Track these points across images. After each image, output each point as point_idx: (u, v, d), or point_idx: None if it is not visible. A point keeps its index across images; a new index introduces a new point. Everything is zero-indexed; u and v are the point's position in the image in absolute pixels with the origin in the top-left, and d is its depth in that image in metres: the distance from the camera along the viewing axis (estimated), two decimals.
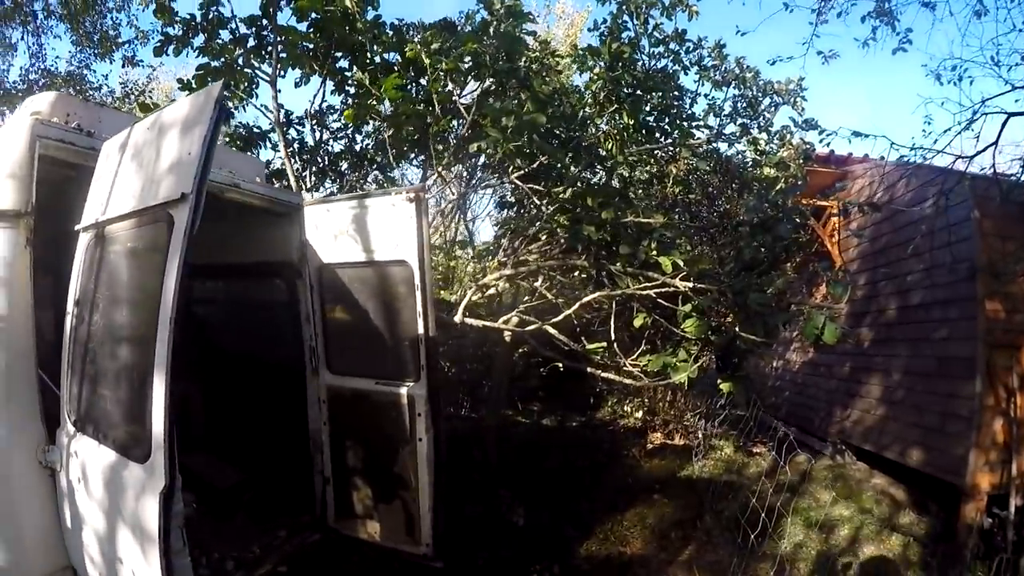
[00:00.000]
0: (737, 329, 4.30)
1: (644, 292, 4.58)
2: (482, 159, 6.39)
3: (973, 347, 6.07)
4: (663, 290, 4.48)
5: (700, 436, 7.89)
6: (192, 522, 4.27)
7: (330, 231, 4.36)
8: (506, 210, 6.66)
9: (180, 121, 2.65)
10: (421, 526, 4.19)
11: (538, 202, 5.06)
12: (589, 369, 5.42)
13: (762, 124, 7.29)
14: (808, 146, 7.12)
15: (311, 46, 5.25)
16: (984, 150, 5.20)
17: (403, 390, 4.08)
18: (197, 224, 2.38)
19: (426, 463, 4.04)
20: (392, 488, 4.28)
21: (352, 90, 5.69)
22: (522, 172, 5.10)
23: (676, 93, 6.48)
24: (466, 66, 5.10)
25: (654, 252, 4.47)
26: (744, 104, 7.26)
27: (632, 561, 5.38)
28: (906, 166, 6.98)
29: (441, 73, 4.88)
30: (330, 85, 5.73)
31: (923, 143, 8.31)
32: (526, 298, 5.85)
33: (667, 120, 6.40)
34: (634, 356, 4.97)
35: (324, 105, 6.44)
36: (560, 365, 5.92)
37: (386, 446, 4.25)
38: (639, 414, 8.72)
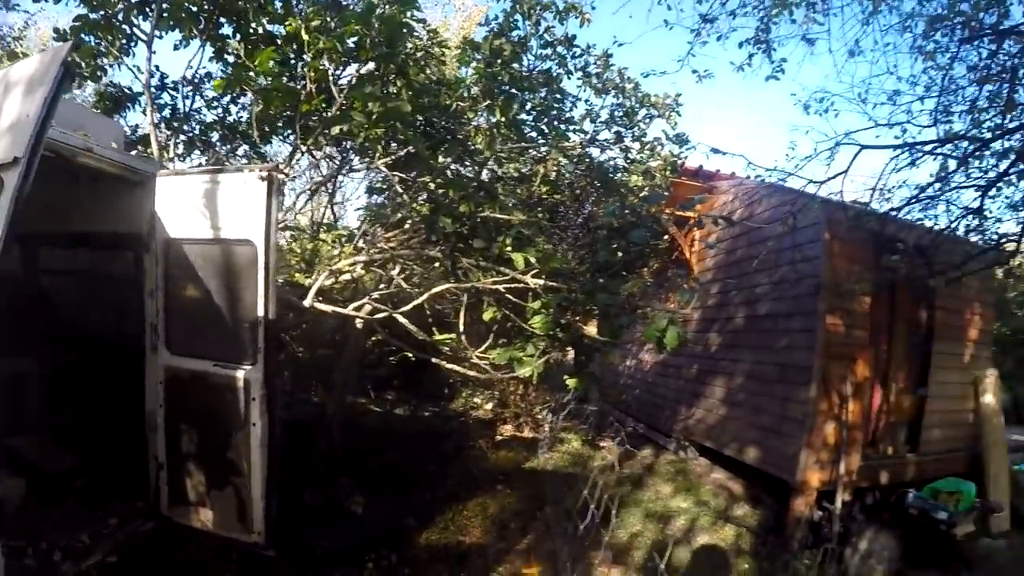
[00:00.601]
0: (584, 327, 4.66)
1: (494, 286, 4.75)
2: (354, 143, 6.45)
3: (811, 357, 6.74)
4: (513, 285, 4.67)
5: (547, 429, 8.26)
6: (18, 509, 4.22)
7: (181, 205, 4.30)
8: (374, 196, 6.83)
9: (25, 80, 2.62)
10: (253, 514, 4.17)
11: (400, 190, 5.21)
12: (434, 360, 5.54)
13: (636, 134, 7.61)
14: (676, 158, 7.55)
15: (195, 8, 5.15)
16: (834, 177, 5.80)
17: (239, 373, 4.06)
18: (27, 189, 2.38)
19: (259, 449, 4.03)
20: (225, 474, 4.25)
21: (231, 59, 5.59)
22: (390, 159, 5.17)
23: (558, 96, 6.70)
24: (347, 47, 5.06)
25: (508, 248, 4.63)
26: (621, 113, 7.55)
27: (470, 550, 5.58)
28: (766, 186, 7.62)
29: (320, 51, 4.85)
30: (209, 51, 5.62)
31: (786, 166, 9.09)
32: (381, 286, 5.93)
33: (545, 121, 6.64)
34: (482, 349, 5.11)
35: (203, 72, 6.30)
36: (410, 355, 6.02)
37: (221, 431, 4.22)
38: (489, 406, 9.15)
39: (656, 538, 6.17)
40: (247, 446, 4.07)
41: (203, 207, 4.17)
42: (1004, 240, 6.77)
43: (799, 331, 7.07)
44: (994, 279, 9.18)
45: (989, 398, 8.57)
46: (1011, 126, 5.78)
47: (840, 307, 6.83)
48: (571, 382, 5.06)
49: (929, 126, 5.87)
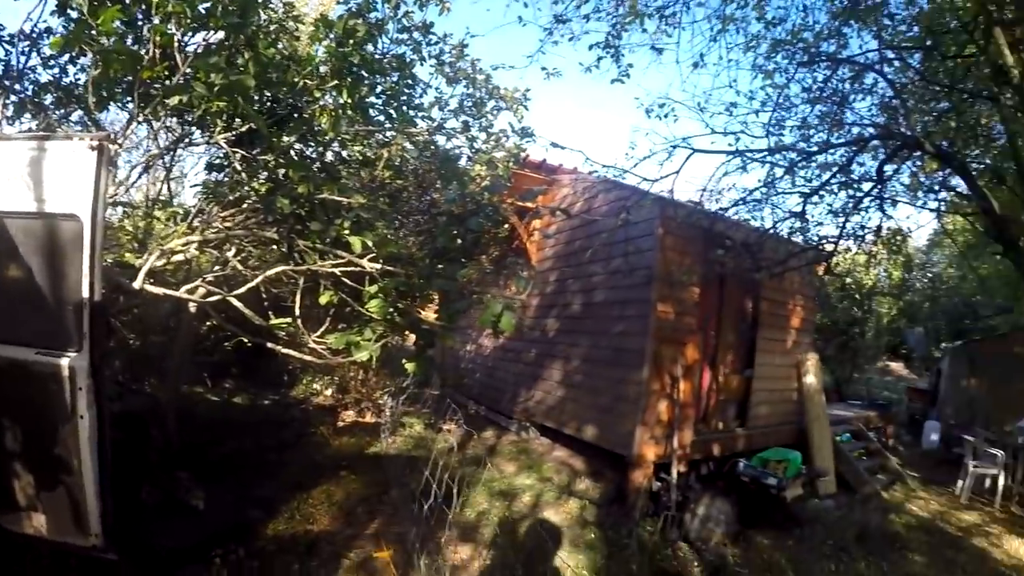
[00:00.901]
0: (422, 312, 4.84)
1: (331, 270, 4.75)
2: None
3: (644, 341, 7.31)
4: (351, 269, 4.68)
5: (389, 414, 8.37)
6: None
7: (1, 173, 3.95)
8: (213, 173, 6.64)
9: None
10: (88, 515, 3.90)
11: (239, 168, 5.11)
12: (270, 345, 5.44)
13: (483, 124, 7.84)
14: (520, 150, 7.87)
15: None
16: (667, 176, 6.37)
17: (64, 361, 3.77)
18: None
19: (88, 444, 3.77)
20: (54, 474, 3.94)
21: (75, 15, 5.08)
22: (232, 135, 4.99)
23: (409, 81, 6.72)
24: (197, 12, 4.77)
25: (347, 231, 4.65)
26: (470, 103, 7.76)
27: (319, 538, 5.61)
28: (605, 181, 8.10)
29: (168, 14, 4.56)
30: (52, 3, 5.13)
31: (625, 164, 9.70)
32: (216, 268, 5.76)
33: (394, 105, 6.62)
34: (319, 333, 5.07)
35: (43, 26, 5.75)
36: (247, 340, 5.87)
37: (46, 426, 3.90)
38: (330, 392, 9.20)
39: (503, 515, 6.47)
40: (76, 441, 3.80)
41: (26, 177, 3.86)
42: (824, 241, 7.62)
43: (633, 318, 7.60)
44: (816, 275, 10.06)
45: (811, 378, 9.66)
46: (836, 142, 6.52)
47: (671, 296, 7.43)
48: (410, 366, 5.10)
49: (761, 137, 6.56)
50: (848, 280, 19.19)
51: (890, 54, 6.38)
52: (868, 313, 20.56)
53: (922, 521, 8.49)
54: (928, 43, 6.13)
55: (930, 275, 25.97)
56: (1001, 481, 9.69)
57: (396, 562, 5.33)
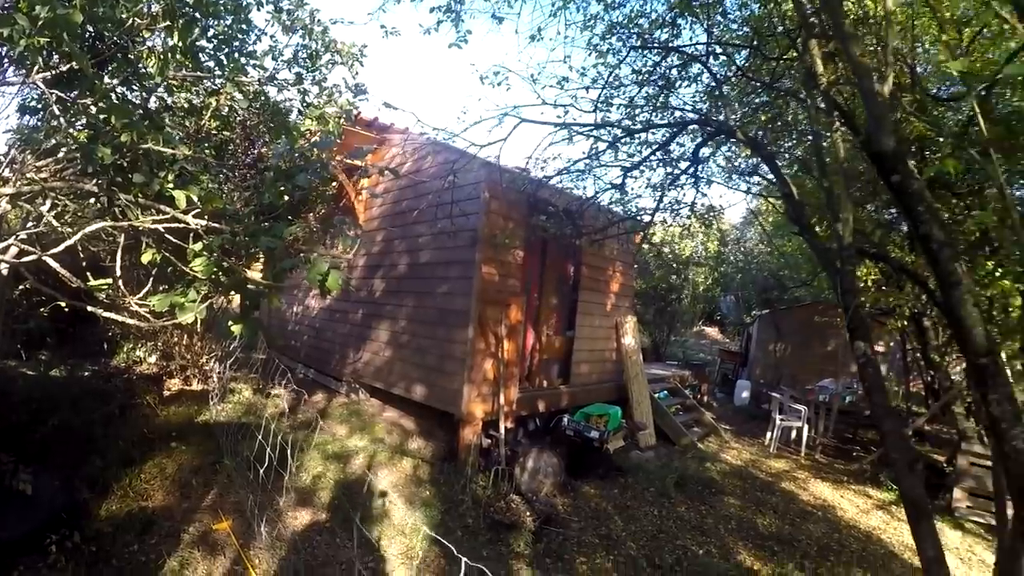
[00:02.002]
0: (247, 271, 5.00)
1: (153, 226, 4.60)
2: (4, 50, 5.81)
3: (469, 302, 7.70)
4: (174, 226, 4.48)
5: (217, 380, 8.39)
6: None
7: None
8: (27, 117, 6.34)
9: None
10: None
11: (57, 112, 4.99)
12: (90, 309, 5.25)
13: (317, 78, 7.85)
14: (352, 107, 7.84)
15: None
16: (495, 143, 6.93)
17: None
18: None
19: None
20: None
21: None
22: (50, 74, 4.69)
23: (244, 27, 6.63)
24: None
25: (171, 185, 4.55)
26: (306, 55, 7.78)
27: (155, 514, 5.59)
28: (434, 143, 8.37)
29: None
30: None
31: (456, 128, 10.19)
32: (30, 224, 5.40)
33: (226, 51, 6.54)
34: (141, 295, 4.95)
35: None
36: (64, 304, 5.67)
37: None
38: (154, 359, 8.97)
39: (338, 477, 6.75)
40: None
41: None
42: (641, 213, 8.50)
43: (458, 279, 8.00)
44: (634, 244, 11.04)
45: (629, 339, 10.59)
46: (658, 123, 7.10)
47: (495, 258, 7.91)
48: (235, 328, 5.07)
49: (589, 112, 7.03)
50: (667, 250, 21.23)
51: (718, 48, 7.03)
52: (685, 281, 22.71)
53: (735, 468, 9.62)
54: (755, 43, 6.75)
55: (743, 249, 29.06)
56: (805, 433, 11.35)
57: (236, 532, 5.43)
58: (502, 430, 7.79)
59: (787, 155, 8.42)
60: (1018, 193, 7.50)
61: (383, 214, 9.98)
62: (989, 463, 8.71)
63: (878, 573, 6.69)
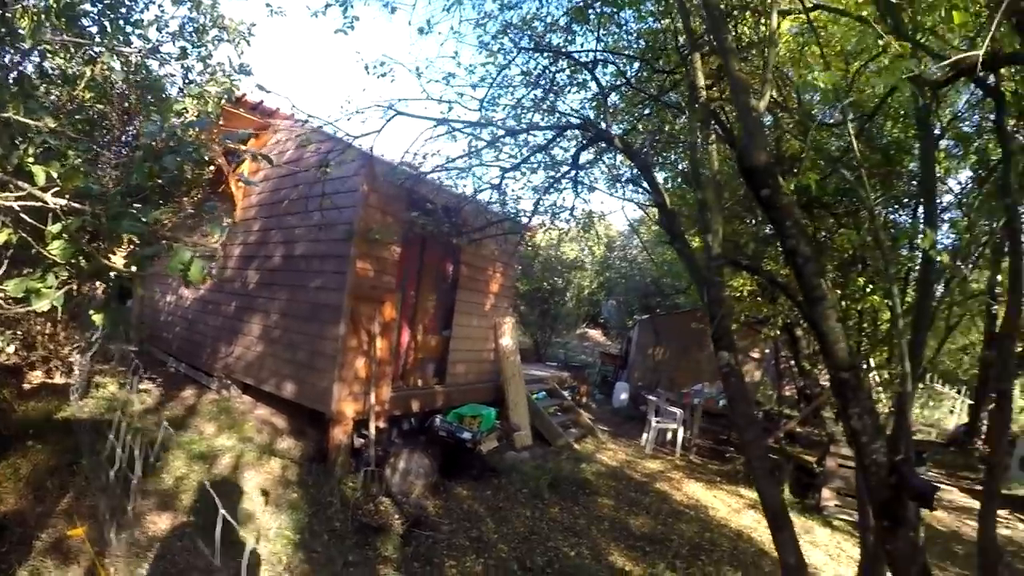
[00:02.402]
0: (111, 257, 4.92)
1: (9, 204, 4.65)
2: None
3: (341, 297, 7.63)
4: (31, 204, 4.64)
5: (79, 373, 8.03)
6: None
7: None
8: None
9: None
10: None
11: None
12: None
13: (202, 54, 7.60)
14: (234, 87, 7.64)
15: None
16: (369, 134, 6.91)
17: None
18: None
19: None
20: None
21: None
22: None
23: None
24: None
25: (31, 159, 4.17)
26: (192, 29, 7.52)
27: (7, 519, 5.29)
28: (316, 131, 8.29)
29: None
30: None
31: (338, 116, 10.11)
32: None
33: (109, 17, 6.31)
34: None
35: None
36: None
37: None
38: (12, 349, 8.49)
39: (202, 477, 6.48)
40: None
41: None
42: (520, 214, 8.56)
43: (332, 273, 7.92)
44: (514, 244, 10.95)
45: (507, 340, 10.71)
46: (541, 125, 7.25)
47: (371, 254, 7.86)
48: (97, 318, 4.99)
49: (475, 110, 7.13)
50: (550, 253, 21.85)
51: (610, 57, 7.26)
52: (568, 284, 23.45)
53: (611, 469, 9.92)
54: (647, 56, 7.06)
55: (627, 256, 30.21)
56: (680, 435, 11.83)
57: (92, 539, 5.20)
58: (373, 430, 7.76)
59: (670, 167, 8.85)
60: (893, 216, 8.25)
61: (262, 203, 9.77)
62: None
63: (748, 571, 7.01)
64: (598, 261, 26.89)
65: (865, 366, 7.63)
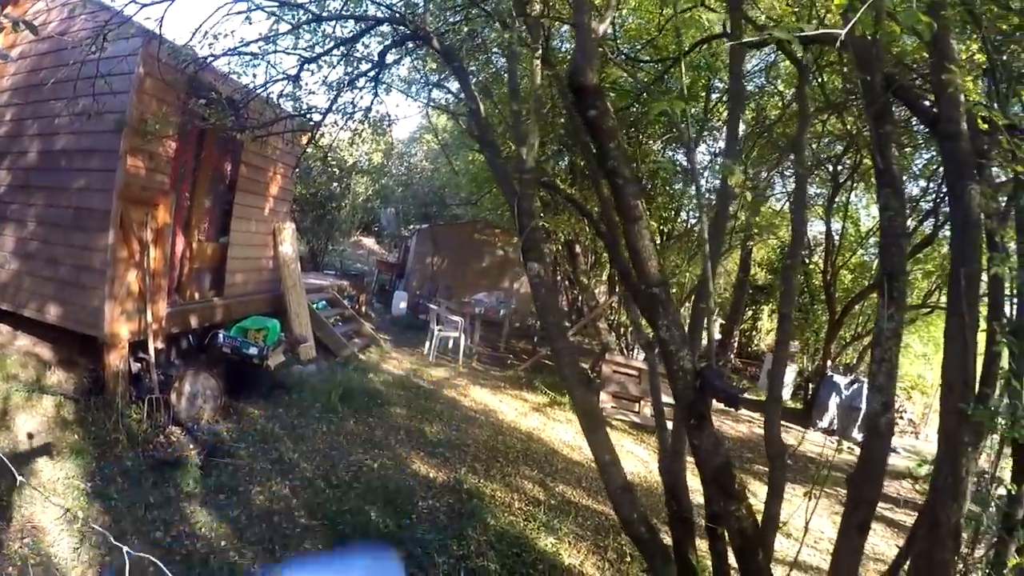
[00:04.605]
0: None
1: None
2: None
3: (109, 200, 6.70)
4: None
5: None
6: None
7: None
8: None
9: None
10: None
11: None
12: None
13: None
14: None
15: None
16: (157, 2, 5.95)
17: None
18: None
19: None
20: None
21: None
22: None
23: None
24: None
25: None
26: None
27: None
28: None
29: None
30: None
31: None
32: None
33: None
34: None
35: None
36: None
37: None
38: None
39: None
40: None
41: None
42: (311, 111, 8.03)
43: (97, 171, 6.94)
44: (299, 144, 10.52)
45: (287, 247, 10.20)
46: (348, 14, 6.95)
47: (144, 149, 6.95)
48: None
49: None
50: (330, 156, 20.95)
51: None
52: (347, 190, 22.82)
53: (398, 378, 10.01)
54: None
55: (408, 164, 29.97)
56: (462, 342, 12.12)
57: None
58: (152, 352, 7.06)
59: (473, 75, 8.62)
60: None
61: (15, 86, 8.09)
62: (628, 371, 10.30)
63: (543, 468, 7.44)
64: (376, 168, 26.29)
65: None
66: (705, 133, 11.64)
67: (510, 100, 5.52)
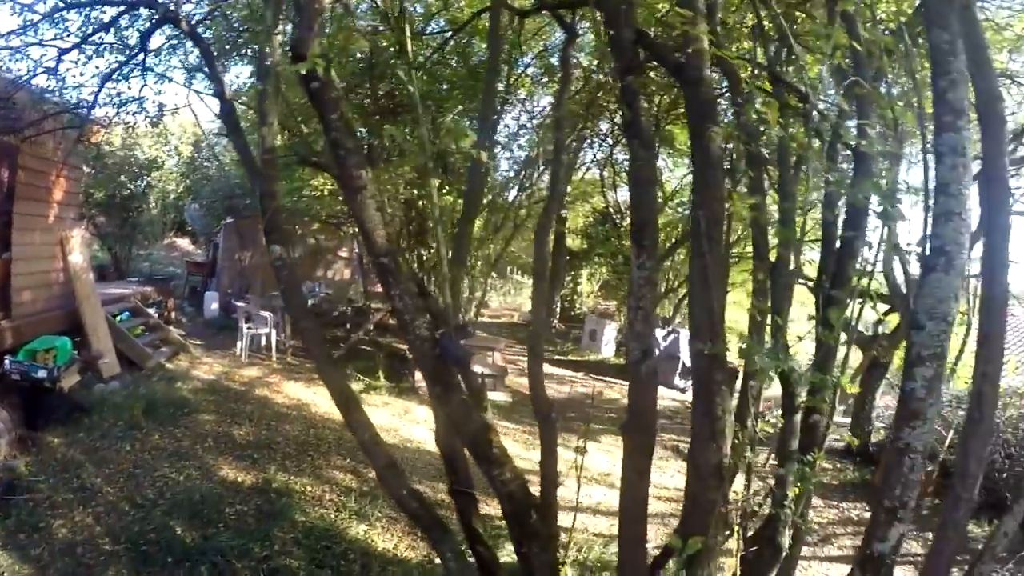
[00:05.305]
0: None
1: None
2: None
3: None
4: None
5: None
6: None
7: None
8: None
9: None
10: None
11: None
12: None
13: None
14: None
15: None
16: None
17: None
18: None
19: None
20: None
21: None
22: None
23: None
24: None
25: None
26: None
27: None
28: None
29: None
30: None
31: None
32: None
33: None
34: None
35: None
36: None
37: None
38: None
39: None
40: None
41: None
42: (81, 106, 7.67)
43: None
44: (83, 143, 9.85)
45: (77, 256, 9.52)
46: None
47: None
48: None
49: None
50: (126, 153, 19.67)
51: None
52: (149, 188, 21.41)
53: (208, 384, 9.70)
54: None
55: (217, 155, 28.34)
56: (274, 338, 11.94)
57: None
58: None
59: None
60: None
61: None
62: None
63: (356, 456, 7.40)
64: (184, 162, 24.79)
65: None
66: (508, 107, 12.01)
67: (257, 80, 5.44)
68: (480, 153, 3.93)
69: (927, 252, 2.53)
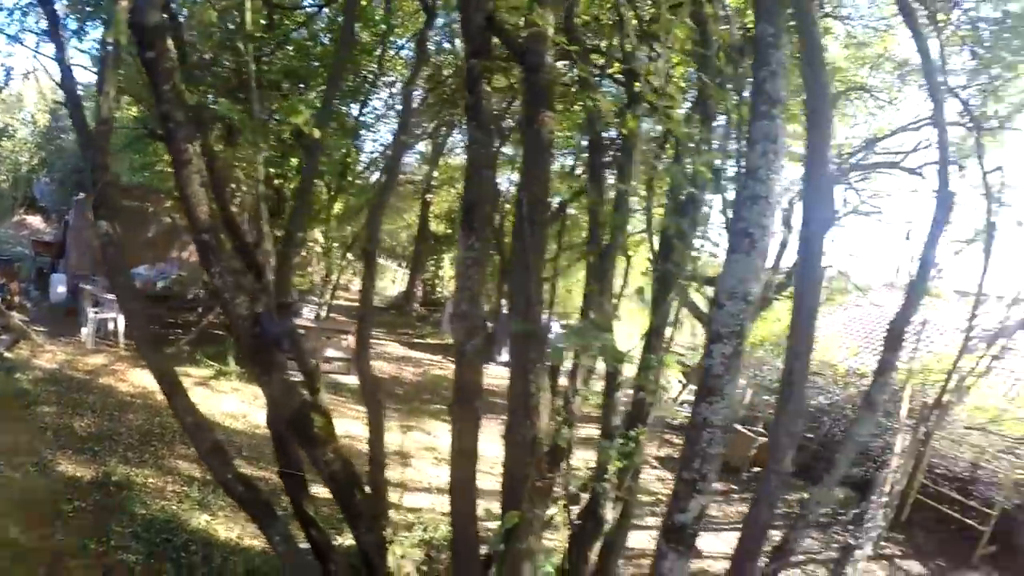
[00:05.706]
0: None
1: None
2: None
3: None
4: None
5: None
6: None
7: None
8: None
9: None
10: None
11: None
12: None
13: None
14: None
15: None
16: None
17: None
18: None
19: None
20: None
21: None
22: None
23: None
24: None
25: None
26: None
27: None
28: None
29: None
30: None
31: None
32: None
33: None
34: None
35: None
36: None
37: None
38: None
39: None
40: None
41: None
42: None
43: None
44: None
45: None
46: None
47: None
48: None
49: None
50: None
51: None
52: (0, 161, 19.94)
53: (50, 373, 9.15)
54: None
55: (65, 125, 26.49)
56: (121, 324, 11.20)
57: None
58: None
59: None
60: None
61: None
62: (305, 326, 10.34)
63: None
64: (41, 132, 23.12)
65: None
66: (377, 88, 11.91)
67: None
68: (312, 130, 3.88)
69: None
